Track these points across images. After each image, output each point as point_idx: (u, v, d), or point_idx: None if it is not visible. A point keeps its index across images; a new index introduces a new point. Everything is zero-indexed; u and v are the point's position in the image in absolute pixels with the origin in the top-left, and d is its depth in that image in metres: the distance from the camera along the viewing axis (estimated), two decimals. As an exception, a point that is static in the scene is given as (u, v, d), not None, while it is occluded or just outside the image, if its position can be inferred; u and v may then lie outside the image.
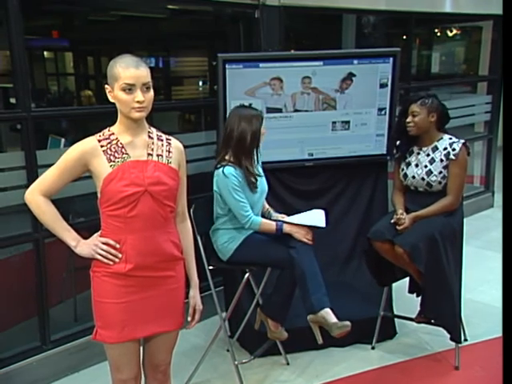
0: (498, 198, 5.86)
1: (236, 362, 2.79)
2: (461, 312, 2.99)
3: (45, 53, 8.93)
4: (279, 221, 2.67)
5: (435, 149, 2.89)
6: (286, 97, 3.11)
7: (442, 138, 2.90)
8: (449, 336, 2.93)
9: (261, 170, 2.74)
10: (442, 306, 2.86)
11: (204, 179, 3.09)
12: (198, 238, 2.74)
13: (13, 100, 3.41)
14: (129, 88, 1.73)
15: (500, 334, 3.23)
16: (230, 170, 2.58)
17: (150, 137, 1.88)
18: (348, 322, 2.48)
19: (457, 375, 2.93)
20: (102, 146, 1.80)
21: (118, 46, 7.07)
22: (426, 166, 2.88)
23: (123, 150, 1.81)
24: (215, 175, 2.64)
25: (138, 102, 1.73)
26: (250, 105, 2.83)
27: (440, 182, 2.86)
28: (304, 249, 2.57)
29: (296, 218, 2.68)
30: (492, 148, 5.63)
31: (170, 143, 1.92)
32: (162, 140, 1.91)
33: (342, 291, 3.07)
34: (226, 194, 2.60)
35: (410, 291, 3.14)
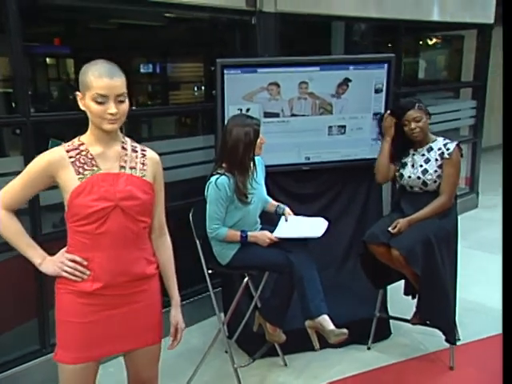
0: (482, 198, 5.76)
1: (235, 366, 2.62)
2: (455, 313, 2.85)
3: (47, 59, 8.71)
4: (244, 231, 2.47)
5: (430, 149, 2.77)
6: (283, 102, 2.96)
7: (435, 140, 2.79)
8: (444, 337, 2.80)
9: (258, 181, 2.55)
10: (438, 308, 2.73)
11: (203, 182, 2.94)
12: (197, 242, 2.59)
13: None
14: (101, 99, 1.50)
15: (493, 333, 3.14)
16: (223, 180, 2.40)
17: (123, 148, 1.64)
18: (345, 330, 2.32)
19: (452, 375, 2.80)
20: (70, 157, 1.57)
21: (118, 53, 6.90)
22: (421, 166, 2.76)
23: (93, 161, 1.58)
24: (209, 182, 2.46)
25: (110, 114, 1.51)
26: (248, 110, 2.68)
27: (435, 181, 2.73)
28: (303, 254, 2.42)
29: (295, 224, 2.53)
30: (477, 151, 5.52)
31: (144, 154, 1.68)
32: (136, 151, 1.67)
33: (337, 293, 2.91)
34: (209, 201, 2.44)
35: (406, 293, 3.00)
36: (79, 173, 1.55)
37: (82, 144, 1.60)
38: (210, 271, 2.59)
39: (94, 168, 1.57)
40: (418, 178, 2.75)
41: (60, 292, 1.64)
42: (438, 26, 4.96)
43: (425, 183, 2.74)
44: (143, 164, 1.66)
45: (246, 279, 2.55)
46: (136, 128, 5.55)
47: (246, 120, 2.44)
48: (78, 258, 1.59)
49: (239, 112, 2.77)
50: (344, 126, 3.09)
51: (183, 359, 2.90)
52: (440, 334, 2.81)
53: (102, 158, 1.59)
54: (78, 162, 1.56)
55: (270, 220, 2.63)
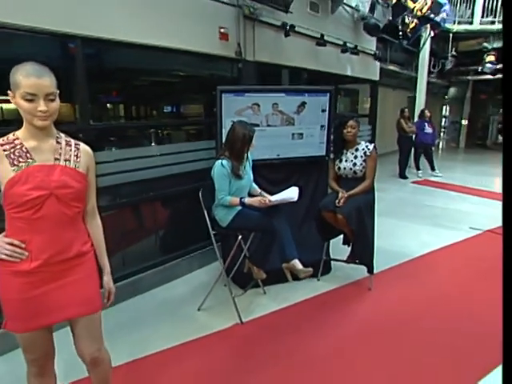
0: (377, 184, 5.42)
1: (232, 295, 2.16)
2: (373, 254, 2.47)
3: (108, 105, 7.95)
4: (242, 197, 2.02)
5: (356, 150, 2.40)
6: (262, 116, 2.48)
7: (360, 143, 2.42)
8: (366, 270, 2.45)
9: (248, 167, 2.11)
10: (364, 251, 2.38)
11: (207, 172, 2.46)
12: (204, 211, 2.09)
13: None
14: (30, 97, 1.00)
15: (391, 265, 2.80)
16: (225, 162, 1.97)
17: (57, 142, 1.11)
18: (310, 269, 1.95)
19: (370, 293, 2.45)
20: (4, 151, 1.05)
21: (150, 99, 6.28)
22: (351, 161, 2.39)
23: (28, 154, 1.06)
24: (216, 164, 1.99)
25: (40, 111, 1.01)
26: (240, 121, 2.19)
27: (361, 171, 2.38)
28: (281, 219, 1.99)
29: (276, 196, 2.06)
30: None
31: (78, 148, 1.15)
32: (70, 145, 1.13)
33: (300, 244, 2.45)
34: (216, 178, 1.97)
35: (344, 243, 2.60)
36: (14, 165, 1.04)
37: (17, 139, 1.07)
38: (213, 232, 2.10)
39: (29, 160, 1.06)
40: (350, 169, 2.38)
41: (0, 273, 1.11)
42: (348, 79, 4.58)
43: (355, 172, 2.38)
44: (77, 156, 1.13)
45: (239, 237, 2.10)
46: (162, 137, 5.02)
47: (246, 126, 2.01)
48: (15, 241, 1.07)
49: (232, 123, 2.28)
50: (302, 134, 2.63)
51: (197, 291, 2.43)
52: (363, 268, 2.46)
53: (37, 151, 1.06)
54: (12, 155, 1.04)
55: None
